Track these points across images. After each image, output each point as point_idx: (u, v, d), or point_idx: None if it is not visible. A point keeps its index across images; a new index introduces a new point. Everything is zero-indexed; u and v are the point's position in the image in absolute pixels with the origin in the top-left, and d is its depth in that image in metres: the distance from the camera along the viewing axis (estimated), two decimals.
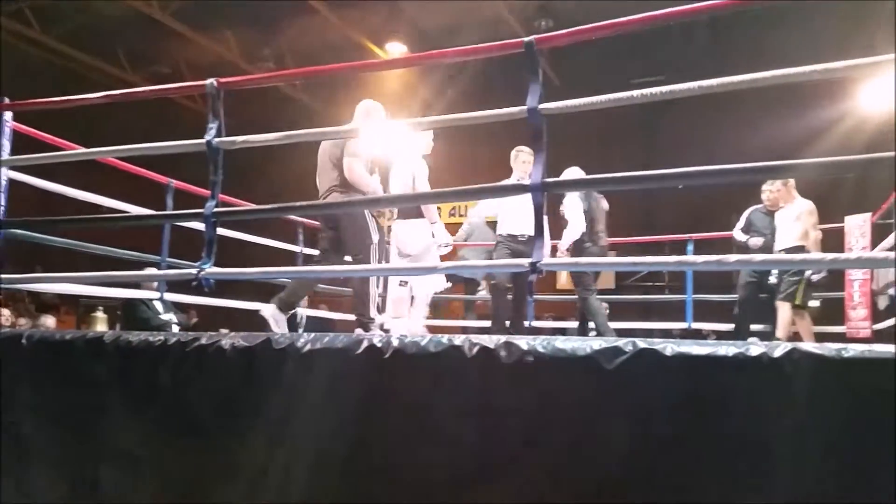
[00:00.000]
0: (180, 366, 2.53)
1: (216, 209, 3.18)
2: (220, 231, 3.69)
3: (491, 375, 2.12)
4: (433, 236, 4.41)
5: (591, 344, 2.03)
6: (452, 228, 4.72)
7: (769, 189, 5.60)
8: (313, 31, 10.25)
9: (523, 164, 4.73)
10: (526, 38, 2.75)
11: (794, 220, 5.16)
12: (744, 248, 5.61)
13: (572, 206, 5.06)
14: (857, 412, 1.76)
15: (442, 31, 10.17)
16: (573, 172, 4.98)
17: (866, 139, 6.96)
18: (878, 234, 5.16)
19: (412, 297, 4.60)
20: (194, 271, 3.12)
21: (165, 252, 5.08)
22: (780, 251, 5.18)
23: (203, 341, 2.51)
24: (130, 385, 2.63)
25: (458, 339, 2.21)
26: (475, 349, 2.15)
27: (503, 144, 4.94)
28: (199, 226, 3.26)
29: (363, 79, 10.50)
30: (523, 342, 2.12)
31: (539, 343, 2.10)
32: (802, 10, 7.93)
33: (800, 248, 5.02)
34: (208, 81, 3.23)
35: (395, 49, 10.21)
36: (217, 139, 3.18)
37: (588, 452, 2.00)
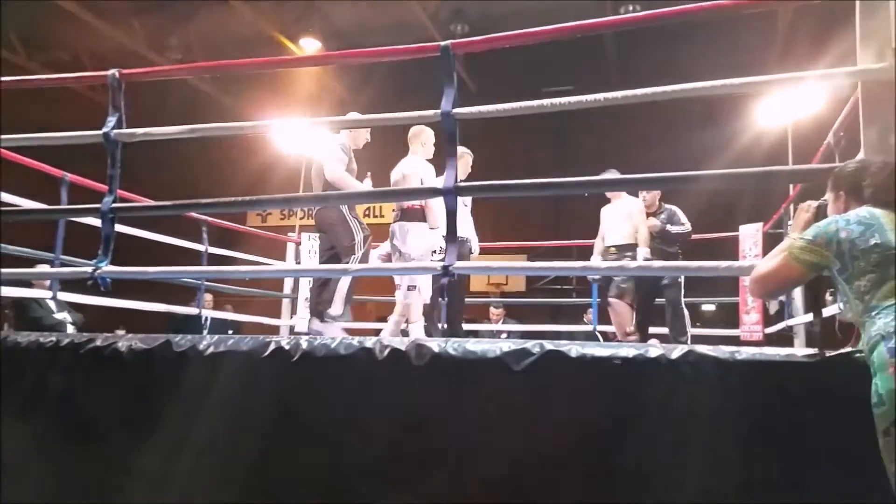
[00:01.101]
0: (74, 368, 2.41)
1: (114, 204, 3.06)
2: (119, 228, 3.53)
3: (402, 377, 2.11)
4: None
5: (501, 346, 2.07)
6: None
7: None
8: (224, 22, 9.93)
9: (465, 165, 4.77)
10: (443, 43, 2.77)
11: (624, 218, 5.21)
12: None
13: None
14: (749, 410, 1.86)
15: (357, 30, 10.08)
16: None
17: (764, 153, 7.37)
18: (770, 242, 5.46)
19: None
20: (89, 270, 2.97)
21: (59, 249, 4.80)
22: (609, 247, 5.23)
23: (98, 342, 2.39)
24: (19, 388, 2.47)
25: (369, 342, 2.19)
26: (386, 351, 2.14)
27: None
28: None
29: (276, 74, 10.28)
30: (434, 344, 2.12)
31: (450, 345, 2.11)
32: (707, 29, 8.33)
33: (632, 246, 5.13)
34: (110, 72, 3.12)
35: (310, 45, 10.01)
36: (116, 131, 3.06)
37: (498, 451, 2.02)
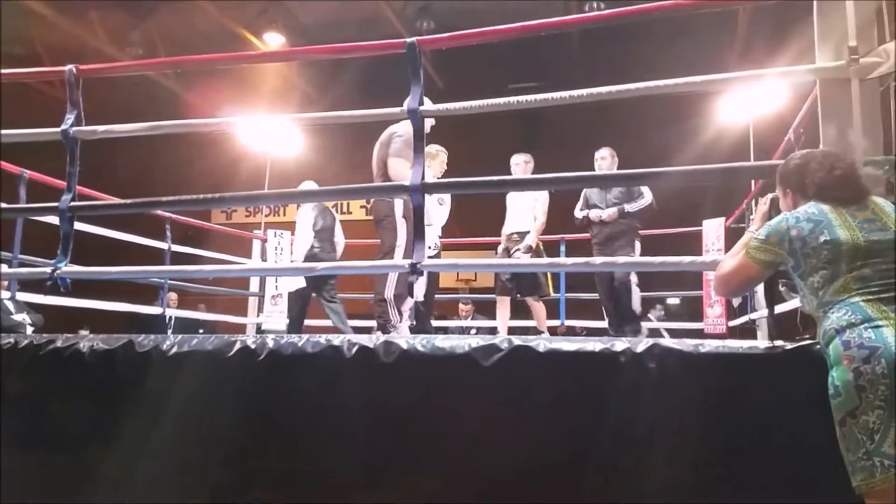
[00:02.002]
0: (34, 369, 2.35)
1: (73, 203, 3.00)
2: (81, 227, 3.46)
3: (371, 375, 2.10)
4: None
5: (470, 342, 2.07)
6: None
7: (601, 157, 5.30)
8: (187, 17, 9.76)
9: (441, 163, 4.75)
10: (408, 39, 2.76)
11: (528, 208, 5.15)
12: (585, 224, 5.28)
13: (301, 220, 5.30)
14: (712, 401, 1.89)
15: (322, 26, 9.99)
16: (307, 185, 5.29)
17: (727, 149, 7.49)
18: (733, 237, 5.55)
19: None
20: (48, 270, 2.91)
21: (17, 249, 4.69)
22: (512, 234, 5.16)
23: (59, 343, 2.34)
24: None
25: (337, 340, 2.18)
26: (354, 349, 2.13)
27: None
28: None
29: (239, 69, 10.13)
30: (403, 341, 2.12)
31: (419, 342, 2.11)
32: (669, 27, 8.43)
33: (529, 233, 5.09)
34: (67, 67, 3.06)
35: (274, 40, 9.87)
36: (75, 128, 3.00)
37: (468, 447, 2.02)
